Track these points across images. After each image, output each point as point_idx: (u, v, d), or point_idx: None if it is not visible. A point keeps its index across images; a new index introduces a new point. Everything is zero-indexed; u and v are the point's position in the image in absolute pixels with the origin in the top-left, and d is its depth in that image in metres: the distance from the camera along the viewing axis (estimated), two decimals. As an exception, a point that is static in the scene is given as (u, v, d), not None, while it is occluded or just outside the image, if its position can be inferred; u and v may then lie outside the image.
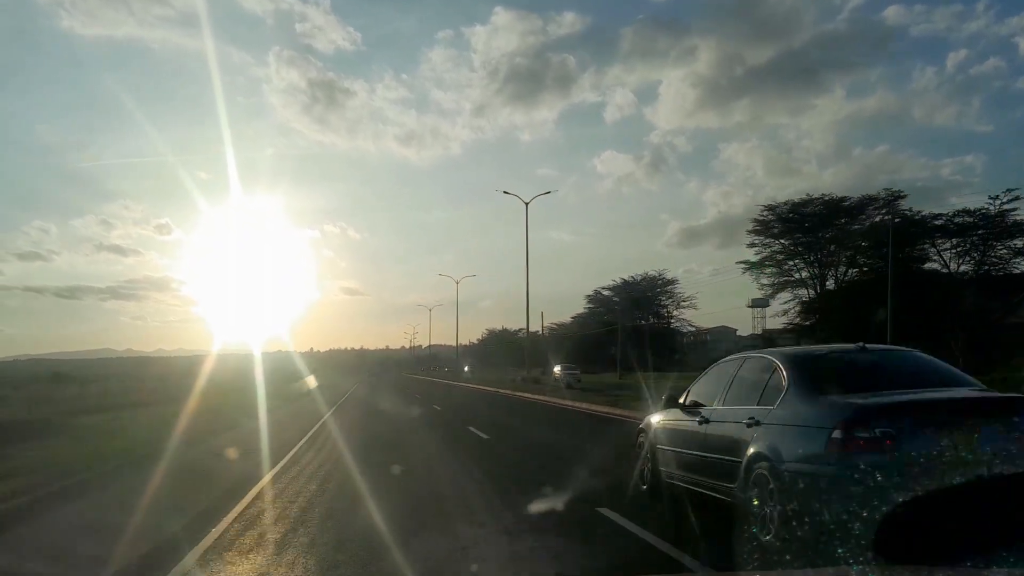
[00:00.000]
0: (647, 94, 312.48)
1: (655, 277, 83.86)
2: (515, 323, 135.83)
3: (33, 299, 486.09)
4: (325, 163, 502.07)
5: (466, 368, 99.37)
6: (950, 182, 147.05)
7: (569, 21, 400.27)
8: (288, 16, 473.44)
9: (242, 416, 19.79)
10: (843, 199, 52.43)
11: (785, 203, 54.50)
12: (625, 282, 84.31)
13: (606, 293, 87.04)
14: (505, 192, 48.47)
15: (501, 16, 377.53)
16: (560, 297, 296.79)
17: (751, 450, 5.65)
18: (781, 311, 58.92)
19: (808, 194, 54.20)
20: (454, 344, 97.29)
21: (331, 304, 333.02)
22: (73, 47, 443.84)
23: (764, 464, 5.44)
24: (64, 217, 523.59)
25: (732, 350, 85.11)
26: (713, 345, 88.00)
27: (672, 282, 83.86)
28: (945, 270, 48.87)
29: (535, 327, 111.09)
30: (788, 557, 4.82)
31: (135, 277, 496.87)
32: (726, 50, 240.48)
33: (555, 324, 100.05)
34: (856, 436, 4.81)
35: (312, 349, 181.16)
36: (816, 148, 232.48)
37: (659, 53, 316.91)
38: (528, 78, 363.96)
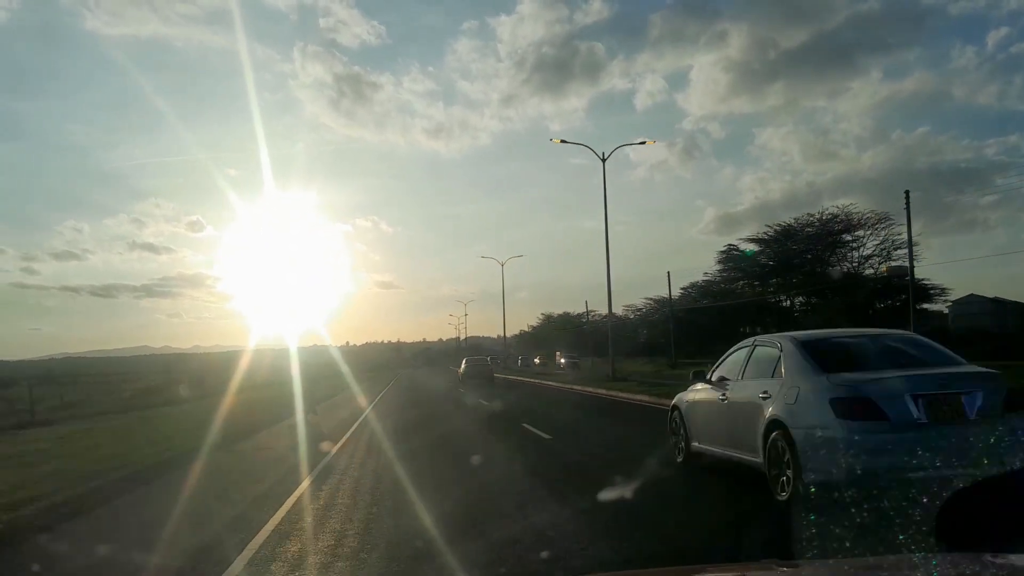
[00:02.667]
0: (678, 80, 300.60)
1: (833, 217, 54.69)
2: (560, 309, 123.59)
3: (70, 298, 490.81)
4: (355, 157, 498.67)
5: (537, 360, 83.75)
6: (995, 163, 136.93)
7: (596, 8, 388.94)
8: (311, 11, 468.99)
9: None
10: None
11: None
12: (784, 229, 57.39)
13: (748, 249, 60.73)
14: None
15: (526, 5, 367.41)
16: (599, 285, 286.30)
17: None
18: None
19: None
20: (494, 336, 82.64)
21: (366, 298, 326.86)
22: (99, 47, 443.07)
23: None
24: (97, 216, 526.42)
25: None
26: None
27: (869, 222, 52.75)
28: None
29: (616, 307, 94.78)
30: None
31: (169, 274, 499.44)
32: (758, 34, 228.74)
33: (651, 300, 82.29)
34: None
35: (348, 343, 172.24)
36: (854, 131, 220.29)
37: (689, 38, 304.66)
38: (556, 67, 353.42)
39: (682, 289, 69.85)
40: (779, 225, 58.11)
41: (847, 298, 52.99)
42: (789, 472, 6.36)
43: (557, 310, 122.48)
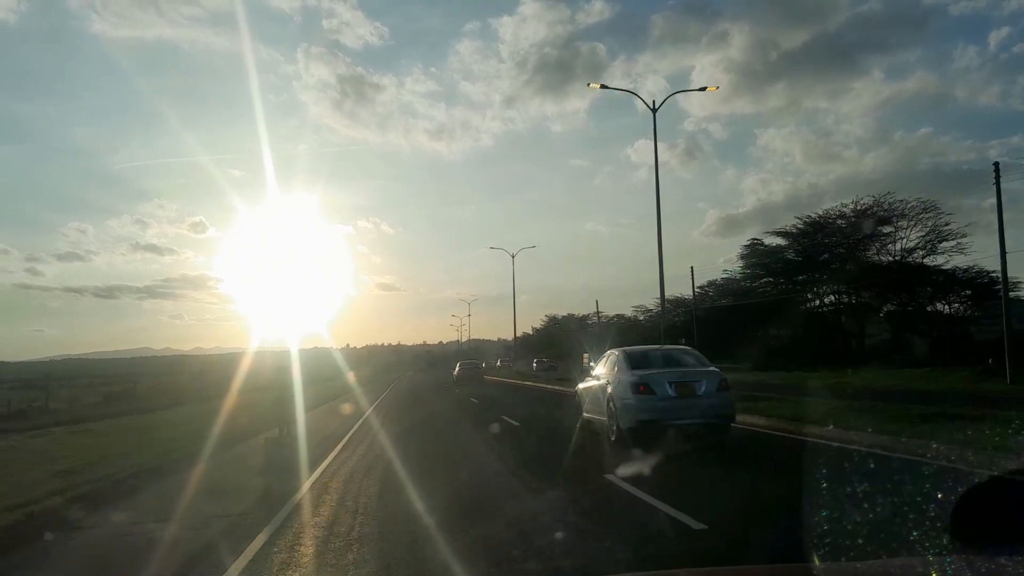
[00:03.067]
0: (679, 81, 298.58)
1: (868, 207, 48.28)
2: (563, 311, 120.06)
3: (74, 300, 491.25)
4: (357, 159, 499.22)
5: (542, 362, 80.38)
6: (999, 164, 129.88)
7: (598, 9, 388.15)
8: (315, 13, 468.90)
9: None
10: None
11: None
12: (815, 222, 51.91)
13: (774, 243, 55.49)
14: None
15: (528, 6, 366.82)
16: (606, 289, 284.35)
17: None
18: None
19: None
20: (495, 339, 79.35)
21: (367, 299, 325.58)
22: (105, 50, 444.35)
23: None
24: (101, 218, 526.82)
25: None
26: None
27: (912, 212, 46.46)
28: None
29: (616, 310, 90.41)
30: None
31: (172, 276, 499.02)
32: (759, 34, 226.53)
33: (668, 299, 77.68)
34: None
35: (348, 345, 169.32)
36: (856, 132, 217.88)
37: (690, 39, 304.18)
38: (558, 68, 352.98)
39: (699, 288, 65.94)
40: (808, 217, 53.18)
41: (886, 296, 49.05)
42: (615, 426, 11.83)
43: (560, 312, 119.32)
